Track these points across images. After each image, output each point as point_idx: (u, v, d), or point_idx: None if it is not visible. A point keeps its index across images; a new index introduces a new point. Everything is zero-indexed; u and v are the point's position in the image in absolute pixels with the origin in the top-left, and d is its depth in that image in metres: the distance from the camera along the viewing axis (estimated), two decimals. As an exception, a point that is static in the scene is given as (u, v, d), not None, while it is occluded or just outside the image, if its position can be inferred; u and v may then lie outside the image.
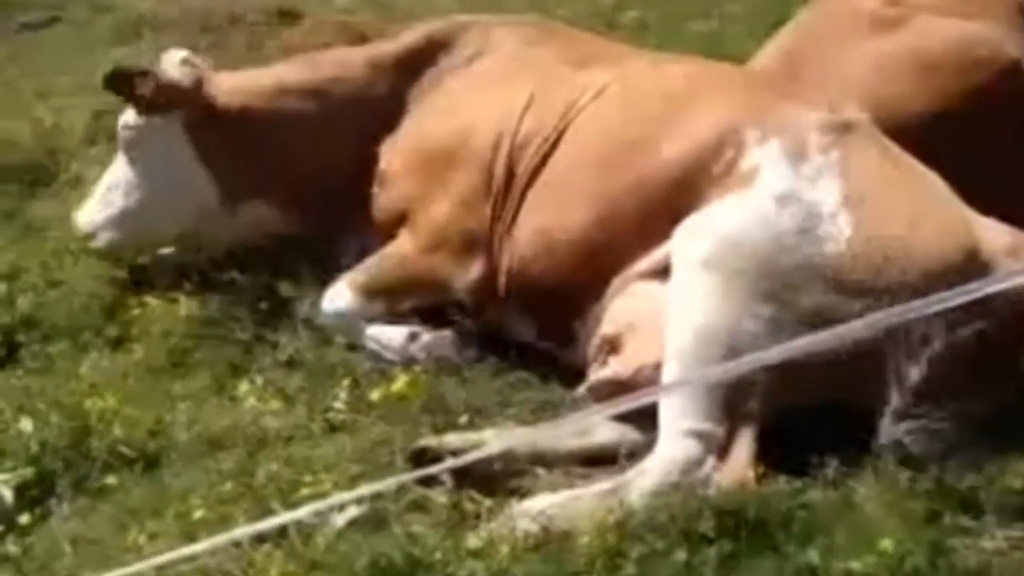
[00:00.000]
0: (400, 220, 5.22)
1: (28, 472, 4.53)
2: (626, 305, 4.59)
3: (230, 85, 5.53)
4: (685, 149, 4.60)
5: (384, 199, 5.32)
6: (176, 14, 8.72)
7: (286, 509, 4.05)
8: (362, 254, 5.27)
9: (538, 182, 4.92)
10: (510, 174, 4.98)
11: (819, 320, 4.05)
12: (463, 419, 4.60)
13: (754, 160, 4.47)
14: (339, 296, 5.16)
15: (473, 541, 3.94)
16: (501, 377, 4.88)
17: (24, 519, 4.41)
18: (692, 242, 4.39)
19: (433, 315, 5.09)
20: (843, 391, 4.17)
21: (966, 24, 5.19)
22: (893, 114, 4.79)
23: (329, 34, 7.69)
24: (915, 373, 4.18)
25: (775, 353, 3.74)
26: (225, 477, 4.39)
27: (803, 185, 4.37)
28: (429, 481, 4.13)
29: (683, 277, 4.35)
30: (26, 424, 4.70)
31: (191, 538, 3.95)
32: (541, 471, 4.32)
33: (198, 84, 5.45)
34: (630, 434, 4.37)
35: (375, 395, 4.73)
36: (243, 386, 4.92)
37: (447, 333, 5.03)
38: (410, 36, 5.59)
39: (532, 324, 4.91)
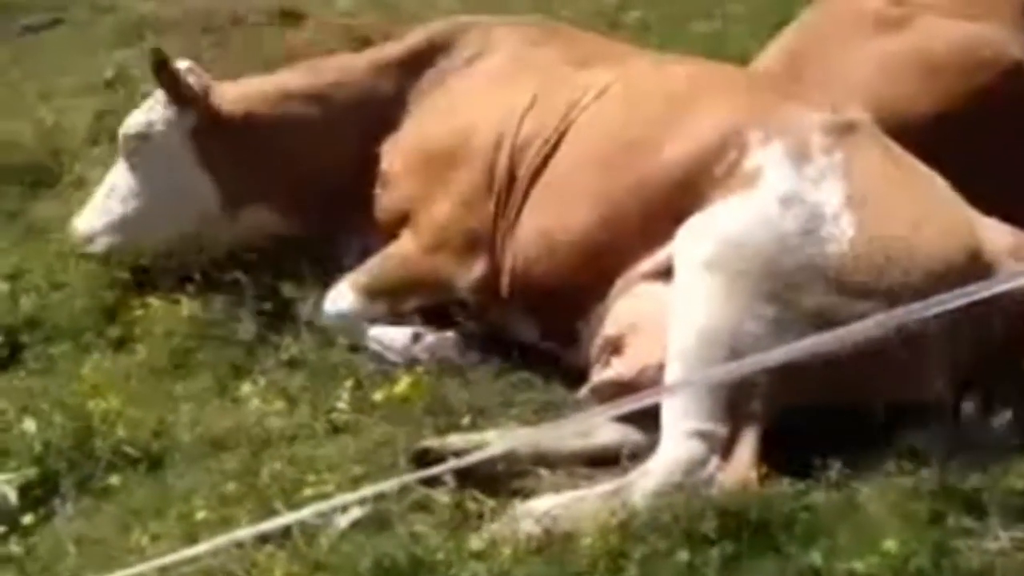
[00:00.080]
0: (402, 220, 5.22)
1: (32, 472, 4.54)
2: (629, 306, 4.59)
3: (234, 94, 5.55)
4: (688, 150, 4.59)
5: (386, 200, 5.32)
6: (178, 15, 8.70)
7: (289, 510, 4.04)
8: (364, 255, 5.27)
9: (540, 182, 4.92)
10: (512, 174, 4.97)
11: (822, 321, 4.05)
12: (466, 420, 4.60)
13: (757, 161, 4.47)
14: (341, 297, 5.15)
15: (476, 542, 3.94)
16: (504, 378, 4.87)
17: (28, 519, 4.41)
18: (695, 243, 4.38)
19: (436, 316, 5.09)
20: (846, 392, 4.17)
21: (970, 25, 5.18)
22: (896, 115, 4.79)
23: (332, 36, 7.70)
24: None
25: (778, 354, 3.74)
26: (228, 478, 4.39)
27: (806, 186, 4.36)
28: (432, 482, 4.12)
29: (686, 278, 4.34)
30: (29, 425, 4.71)
31: (194, 539, 3.95)
32: (544, 472, 4.31)
33: (205, 93, 5.48)
34: (633, 435, 4.37)
35: (378, 396, 4.73)
36: (246, 387, 4.92)
37: (450, 334, 5.03)
38: (411, 38, 5.60)
39: (535, 325, 4.91)
